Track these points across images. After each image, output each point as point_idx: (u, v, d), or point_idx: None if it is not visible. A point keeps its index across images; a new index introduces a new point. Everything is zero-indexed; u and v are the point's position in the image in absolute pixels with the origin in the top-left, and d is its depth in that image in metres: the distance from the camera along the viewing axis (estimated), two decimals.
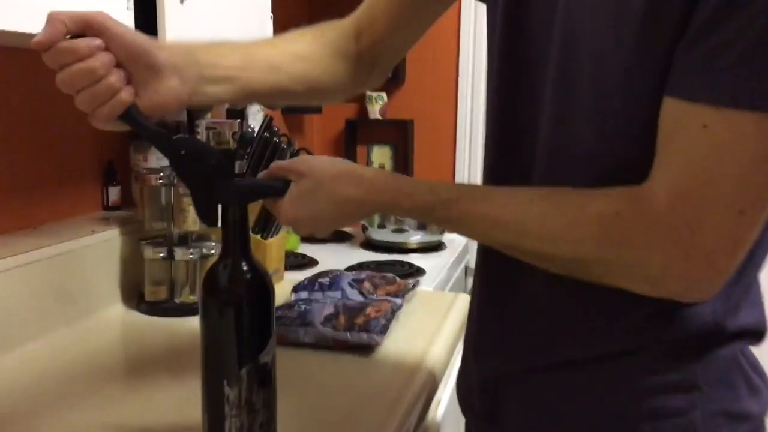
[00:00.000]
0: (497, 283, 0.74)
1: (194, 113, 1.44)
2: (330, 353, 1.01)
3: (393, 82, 2.38)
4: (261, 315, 0.67)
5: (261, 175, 0.74)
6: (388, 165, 2.45)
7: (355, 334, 1.00)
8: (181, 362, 0.97)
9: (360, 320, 1.03)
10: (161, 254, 1.16)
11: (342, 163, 0.71)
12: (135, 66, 0.66)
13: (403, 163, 2.43)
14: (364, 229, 1.81)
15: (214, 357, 0.66)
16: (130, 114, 0.67)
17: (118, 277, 1.19)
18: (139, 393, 0.87)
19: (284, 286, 1.34)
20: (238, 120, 1.48)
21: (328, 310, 1.06)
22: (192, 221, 1.16)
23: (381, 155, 2.46)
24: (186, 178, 0.69)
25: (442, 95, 2.39)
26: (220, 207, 0.69)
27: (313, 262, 1.60)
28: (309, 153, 1.37)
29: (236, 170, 0.74)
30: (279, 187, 0.71)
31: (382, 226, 1.76)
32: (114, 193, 1.33)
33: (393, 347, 1.03)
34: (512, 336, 0.71)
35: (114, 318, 1.15)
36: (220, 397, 0.64)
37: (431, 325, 1.14)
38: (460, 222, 0.65)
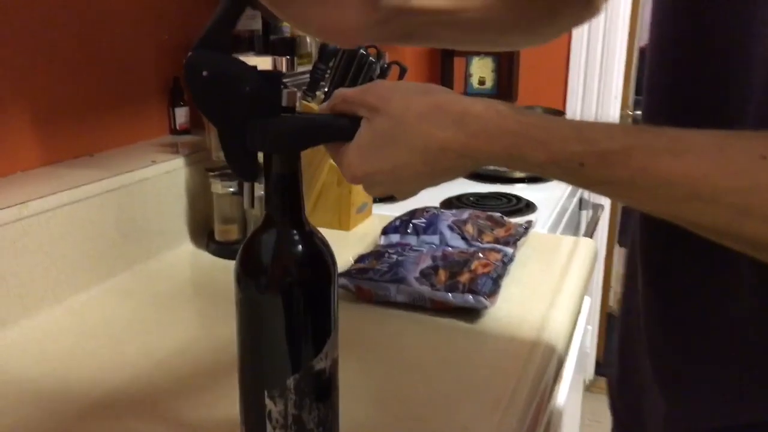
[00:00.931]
0: (685, 296, 0.53)
1: (271, 19, 1.24)
2: (427, 316, 0.83)
3: None
4: (318, 306, 0.49)
5: (322, 107, 0.54)
6: (490, 79, 2.19)
7: (458, 295, 0.81)
8: None
9: (464, 277, 0.83)
10: (231, 189, 0.99)
11: (435, 93, 0.49)
12: None
13: (507, 77, 2.15)
14: None
15: (252, 360, 0.50)
16: None
17: (185, 212, 1.05)
18: (205, 351, 0.73)
19: (372, 224, 1.16)
20: None
21: (425, 262, 0.88)
22: None
23: (481, 68, 2.19)
24: (210, 112, 0.50)
25: None
26: (261, 155, 0.51)
27: None
28: (401, 67, 1.15)
29: (285, 101, 0.52)
30: (343, 126, 0.50)
31: None
32: (181, 114, 1.17)
33: (504, 310, 0.83)
34: (711, 379, 0.52)
35: (180, 260, 1.01)
36: (261, 412, 0.48)
37: (549, 280, 0.94)
38: (630, 186, 0.43)
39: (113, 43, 1.04)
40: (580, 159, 0.44)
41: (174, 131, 1.18)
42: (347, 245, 1.09)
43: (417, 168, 0.49)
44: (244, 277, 0.50)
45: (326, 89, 1.12)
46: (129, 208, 0.93)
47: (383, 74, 1.14)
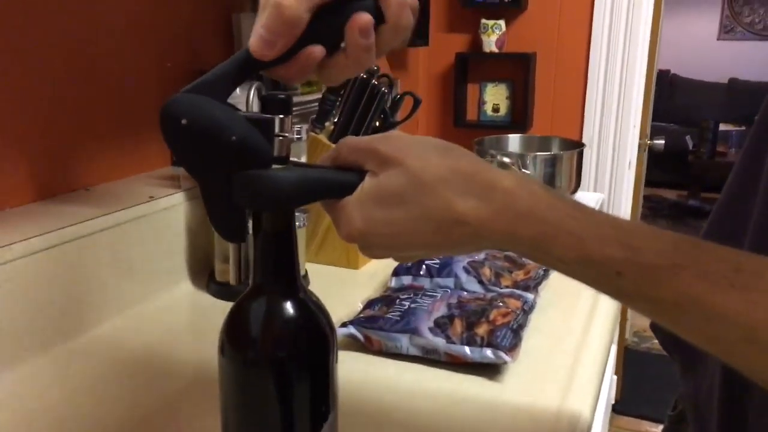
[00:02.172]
0: None
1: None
2: (441, 370, 0.76)
3: (513, 7, 2.02)
4: (313, 385, 0.43)
5: (324, 158, 0.47)
6: (504, 106, 2.13)
7: (476, 349, 0.74)
8: None
9: (482, 329, 0.77)
10: None
11: (458, 155, 0.43)
12: None
13: (522, 104, 2.10)
14: None
15: None
16: None
17: (185, 250, 0.99)
18: (201, 401, 0.67)
19: (382, 262, 1.10)
20: None
21: (440, 310, 0.81)
22: None
23: (495, 95, 2.14)
24: (191, 165, 0.43)
25: (572, 23, 2.01)
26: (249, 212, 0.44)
27: None
28: (415, 98, 1.09)
29: (277, 150, 0.45)
30: (346, 182, 0.43)
31: None
32: None
33: (526, 365, 0.77)
34: None
35: (178, 302, 0.95)
36: None
37: (573, 329, 0.87)
38: (674, 311, 0.36)
39: (113, 70, 0.99)
40: (618, 267, 0.37)
41: (175, 162, 1.13)
42: (356, 285, 1.02)
43: (425, 238, 0.42)
44: (229, 345, 0.44)
45: (336, 120, 1.06)
46: (124, 248, 0.88)
47: (396, 105, 1.08)
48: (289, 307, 0.43)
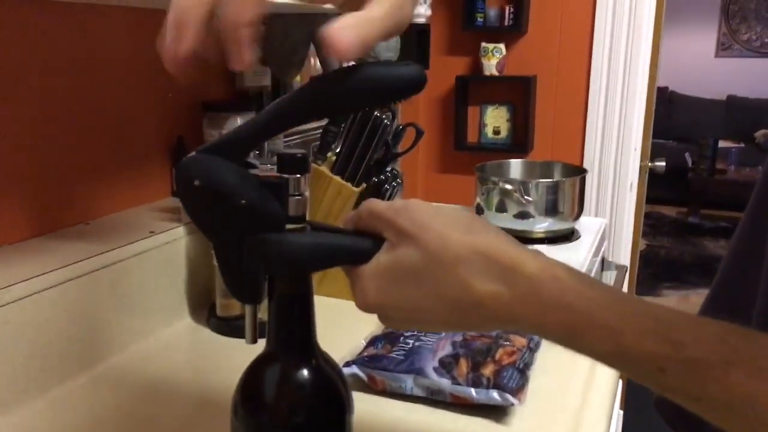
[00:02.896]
0: None
1: (281, 76, 1.19)
2: (446, 411, 0.75)
3: (513, 31, 2.03)
4: None
5: (347, 219, 0.46)
6: (504, 129, 2.13)
7: (482, 391, 0.73)
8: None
9: (488, 369, 0.75)
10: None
11: (480, 232, 0.41)
12: None
13: (523, 127, 2.09)
14: (479, 211, 1.52)
15: None
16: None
17: (185, 285, 0.98)
18: None
19: None
20: None
21: (444, 349, 0.80)
22: None
23: (496, 118, 2.14)
24: (204, 226, 0.43)
25: (572, 46, 2.01)
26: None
27: None
28: (418, 129, 1.09)
29: (293, 210, 0.43)
30: (364, 250, 0.43)
31: (501, 209, 1.47)
32: None
33: (533, 406, 0.75)
34: None
35: (179, 338, 0.93)
36: None
37: (581, 366, 0.85)
38: (725, 409, 0.34)
39: (113, 101, 0.99)
40: (660, 363, 0.35)
41: (176, 193, 1.12)
42: (358, 318, 1.00)
43: (441, 317, 0.41)
44: (243, 408, 0.43)
45: (338, 151, 1.05)
46: (124, 284, 0.87)
47: (398, 137, 1.08)
48: (304, 375, 0.43)
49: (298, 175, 0.43)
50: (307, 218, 0.44)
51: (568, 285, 0.38)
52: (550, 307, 0.38)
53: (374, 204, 0.44)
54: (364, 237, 0.43)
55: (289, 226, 0.43)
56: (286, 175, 0.42)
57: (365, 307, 0.43)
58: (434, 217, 0.42)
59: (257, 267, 0.42)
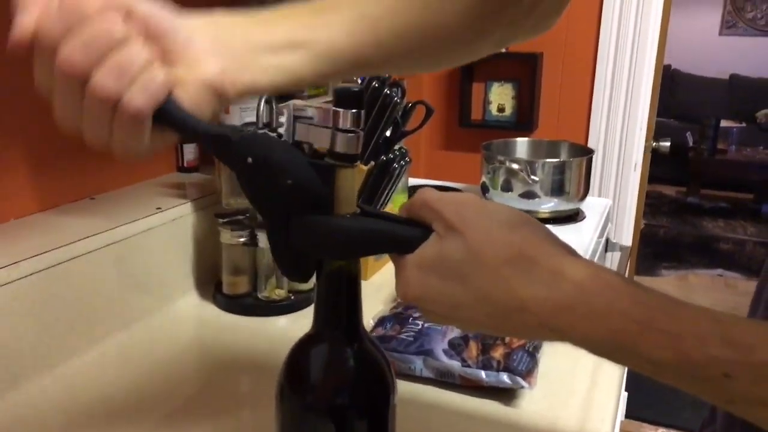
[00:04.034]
0: None
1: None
2: (456, 393, 0.75)
3: None
4: (373, 430, 0.42)
5: (403, 206, 0.46)
6: (509, 106, 2.11)
7: (492, 374, 0.73)
8: (261, 378, 0.74)
9: (498, 352, 0.75)
10: (242, 239, 0.92)
11: (525, 231, 0.40)
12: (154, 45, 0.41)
13: (528, 105, 2.08)
14: (485, 190, 1.51)
15: None
16: (170, 108, 0.41)
17: (191, 261, 0.97)
18: (206, 418, 0.65)
19: (391, 272, 1.08)
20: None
21: (454, 330, 0.80)
22: None
23: (501, 95, 2.12)
24: (256, 202, 0.43)
25: (580, 21, 1.99)
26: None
27: None
28: (428, 107, 1.07)
29: (347, 147, 0.43)
30: (412, 238, 0.42)
31: (507, 189, 1.46)
32: (190, 151, 1.10)
33: (543, 389, 0.75)
34: None
35: (185, 314, 0.93)
36: None
37: None
38: None
39: None
40: (725, 368, 0.33)
41: (181, 168, 1.11)
42: (365, 297, 1.01)
43: (481, 318, 0.40)
44: (288, 389, 0.43)
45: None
46: (131, 261, 0.86)
47: (406, 114, 1.06)
48: (351, 356, 0.43)
49: (354, 110, 0.42)
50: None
51: (622, 291, 0.36)
52: (602, 315, 0.36)
53: (426, 193, 0.43)
54: (413, 226, 0.42)
55: (334, 216, 0.42)
56: (340, 109, 0.41)
57: (406, 297, 0.42)
58: (481, 214, 0.40)
59: (303, 248, 0.42)
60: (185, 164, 1.10)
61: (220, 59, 0.43)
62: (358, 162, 0.44)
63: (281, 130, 0.45)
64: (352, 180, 0.43)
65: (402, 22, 0.51)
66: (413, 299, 0.42)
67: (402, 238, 0.42)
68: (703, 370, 0.33)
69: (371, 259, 1.07)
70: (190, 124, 0.42)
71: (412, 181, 1.38)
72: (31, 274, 0.72)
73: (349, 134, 0.42)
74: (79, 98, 0.41)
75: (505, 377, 0.73)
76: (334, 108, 0.42)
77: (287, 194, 0.41)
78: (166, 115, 0.41)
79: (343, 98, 0.42)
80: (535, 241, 0.39)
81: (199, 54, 0.42)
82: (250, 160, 0.41)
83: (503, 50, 2.01)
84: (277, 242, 0.44)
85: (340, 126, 0.41)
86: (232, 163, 0.43)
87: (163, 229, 0.90)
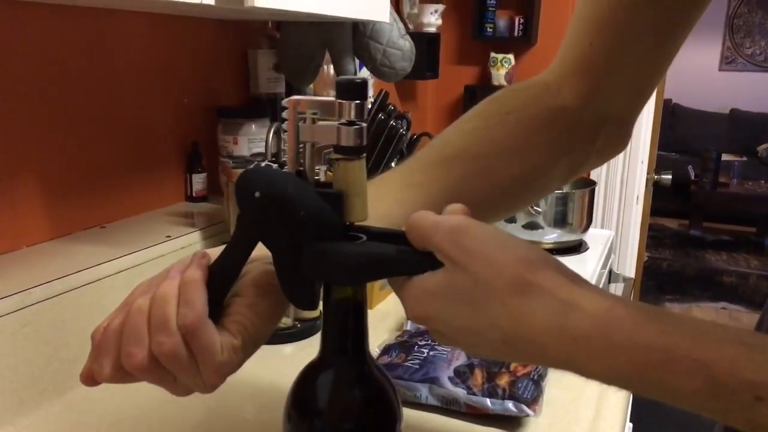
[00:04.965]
0: None
1: (296, 83, 1.20)
2: (461, 421, 0.75)
3: (522, 42, 2.04)
4: None
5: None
6: None
7: (497, 401, 0.73)
8: (267, 405, 0.75)
9: (503, 380, 0.76)
10: None
11: (537, 261, 0.38)
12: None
13: None
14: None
15: None
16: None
17: None
18: None
19: (396, 301, 1.09)
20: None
21: (459, 358, 0.80)
22: None
23: None
24: (263, 235, 0.44)
25: None
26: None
27: None
28: (431, 138, 1.09)
29: (352, 140, 0.43)
30: (420, 265, 0.41)
31: (510, 219, 1.48)
32: (199, 181, 1.12)
33: (548, 417, 0.75)
34: None
35: None
36: None
37: None
38: None
39: (129, 106, 0.99)
40: (758, 391, 0.31)
41: (190, 198, 1.12)
42: (370, 326, 1.01)
43: (492, 345, 0.39)
44: (296, 415, 0.44)
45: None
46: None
47: (412, 146, 1.08)
48: (359, 383, 0.44)
49: (357, 101, 0.41)
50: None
51: (641, 322, 0.35)
52: (622, 348, 0.34)
53: (420, 221, 0.41)
54: (422, 255, 0.42)
55: (344, 244, 0.43)
56: (344, 101, 0.41)
57: (415, 316, 0.42)
58: (482, 242, 0.39)
59: (314, 276, 0.43)
60: (194, 194, 1.12)
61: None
62: (365, 154, 0.44)
63: (284, 126, 0.45)
64: (361, 173, 0.43)
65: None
66: (424, 318, 0.41)
67: (411, 264, 0.42)
68: (732, 395, 0.32)
69: (377, 288, 1.08)
70: (230, 251, 0.45)
71: None
72: (42, 301, 0.73)
73: (355, 127, 0.42)
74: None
75: (510, 405, 0.73)
76: (338, 100, 0.42)
77: (300, 227, 0.41)
78: (217, 284, 0.45)
79: (346, 89, 0.42)
80: (543, 270, 0.38)
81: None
82: (257, 194, 0.41)
83: (505, 84, 2.04)
84: (286, 273, 0.44)
85: (345, 118, 0.41)
86: (238, 197, 0.43)
87: (172, 257, 0.91)
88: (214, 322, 0.44)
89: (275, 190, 0.41)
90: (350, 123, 0.42)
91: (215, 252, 0.47)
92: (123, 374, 0.46)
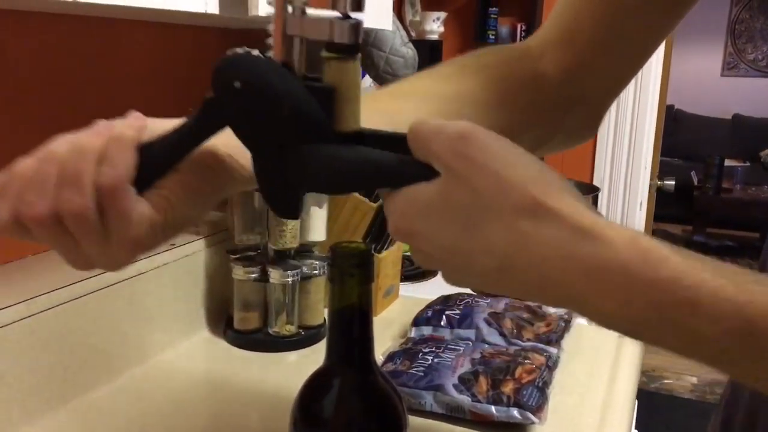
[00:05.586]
0: None
1: None
2: (466, 429, 0.75)
3: None
4: None
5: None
6: None
7: (502, 409, 0.73)
8: (272, 413, 0.75)
9: (508, 387, 0.76)
10: (253, 275, 0.93)
11: (553, 185, 0.34)
12: None
13: None
14: None
15: None
16: (144, 150, 0.41)
17: (203, 297, 0.98)
18: None
19: (400, 309, 1.09)
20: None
21: (464, 366, 0.80)
22: (291, 236, 0.92)
23: None
24: (242, 133, 0.39)
25: None
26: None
27: (431, 271, 1.33)
28: None
29: (346, 37, 0.37)
30: (418, 176, 0.36)
31: None
32: None
33: (552, 424, 0.75)
34: None
35: (196, 348, 0.94)
36: None
37: (597, 385, 0.86)
38: None
39: (127, 108, 1.00)
40: None
41: (212, 95, 1.12)
42: (376, 333, 1.02)
43: (484, 271, 0.35)
44: (302, 424, 0.44)
45: None
46: (145, 296, 0.87)
47: None
48: (364, 390, 0.44)
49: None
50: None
51: (667, 256, 0.31)
52: (645, 282, 0.30)
53: (421, 127, 0.36)
54: (418, 165, 0.36)
55: (334, 147, 0.38)
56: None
57: (398, 231, 0.37)
58: (489, 154, 0.34)
59: (295, 181, 0.39)
60: None
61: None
62: (359, 54, 0.38)
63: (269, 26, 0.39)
64: (355, 76, 0.38)
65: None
66: (406, 234, 0.37)
67: (408, 175, 0.36)
68: (759, 340, 0.29)
69: (380, 295, 1.08)
70: (171, 138, 0.40)
71: None
72: (47, 309, 0.73)
73: (350, 21, 0.36)
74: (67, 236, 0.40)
75: (515, 412, 0.73)
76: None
77: (284, 124, 0.37)
78: (153, 158, 0.39)
79: None
80: (559, 194, 0.33)
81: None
82: (237, 84, 0.36)
83: None
84: (266, 177, 0.39)
85: (339, 11, 0.36)
86: (218, 97, 0.38)
87: (176, 265, 0.91)
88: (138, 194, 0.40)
89: (259, 80, 0.37)
90: (345, 17, 0.37)
91: (160, 124, 0.43)
92: (19, 227, 0.40)
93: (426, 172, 0.36)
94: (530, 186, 0.33)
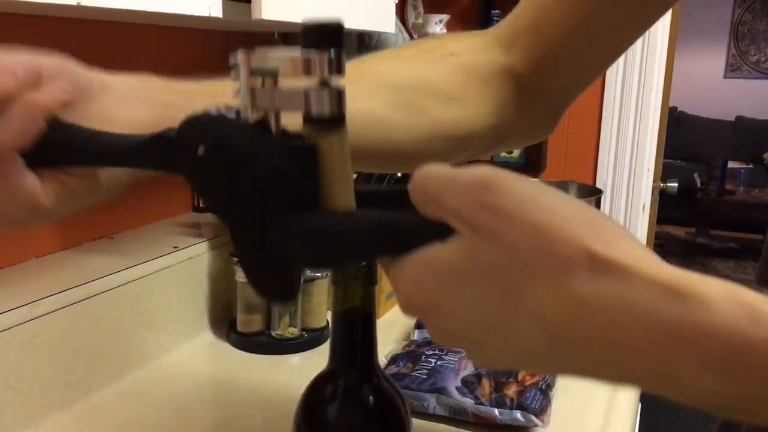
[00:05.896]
0: None
1: None
2: (468, 431, 0.75)
3: None
4: None
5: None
6: (516, 151, 2.14)
7: (506, 411, 0.73)
8: (275, 415, 0.75)
9: (511, 390, 0.76)
10: None
11: (608, 229, 0.27)
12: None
13: (536, 146, 2.11)
14: None
15: None
16: (58, 128, 0.37)
17: (206, 299, 0.98)
18: None
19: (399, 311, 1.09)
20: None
21: (467, 368, 0.80)
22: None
23: None
24: (214, 204, 0.34)
25: None
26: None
27: None
28: None
29: (320, 107, 0.31)
30: (431, 237, 0.29)
31: None
32: None
33: (556, 427, 0.75)
34: None
35: (199, 351, 0.94)
36: None
37: (601, 386, 0.85)
38: None
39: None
40: None
41: (197, 208, 1.13)
42: (378, 335, 1.02)
43: (532, 346, 0.27)
44: (306, 430, 0.44)
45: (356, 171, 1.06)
46: (148, 299, 0.87)
47: None
48: (367, 393, 0.44)
49: (333, 49, 0.30)
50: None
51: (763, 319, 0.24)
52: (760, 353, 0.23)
53: (428, 180, 0.29)
54: (432, 225, 0.29)
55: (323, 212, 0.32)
56: (312, 55, 0.30)
57: (411, 306, 0.30)
58: (526, 201, 0.27)
59: (286, 256, 0.32)
60: (201, 204, 1.12)
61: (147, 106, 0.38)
62: (346, 123, 0.32)
63: (236, 93, 0.34)
64: (341, 150, 0.32)
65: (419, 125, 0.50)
66: (422, 308, 0.29)
67: (425, 236, 0.29)
68: None
69: (383, 298, 1.08)
70: (102, 140, 0.36)
71: None
72: (51, 312, 0.73)
73: (329, 89, 0.30)
74: None
75: (518, 415, 0.73)
76: (303, 54, 0.30)
77: (258, 187, 0.31)
78: (55, 143, 0.35)
79: (316, 37, 0.30)
80: (612, 240, 0.26)
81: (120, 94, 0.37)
82: (201, 150, 0.32)
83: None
84: (247, 252, 0.33)
85: (316, 77, 0.30)
86: (177, 163, 0.34)
87: (179, 268, 0.92)
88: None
89: (223, 143, 0.32)
90: (323, 83, 0.30)
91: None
92: None
93: (440, 231, 0.29)
94: (579, 235, 0.26)
